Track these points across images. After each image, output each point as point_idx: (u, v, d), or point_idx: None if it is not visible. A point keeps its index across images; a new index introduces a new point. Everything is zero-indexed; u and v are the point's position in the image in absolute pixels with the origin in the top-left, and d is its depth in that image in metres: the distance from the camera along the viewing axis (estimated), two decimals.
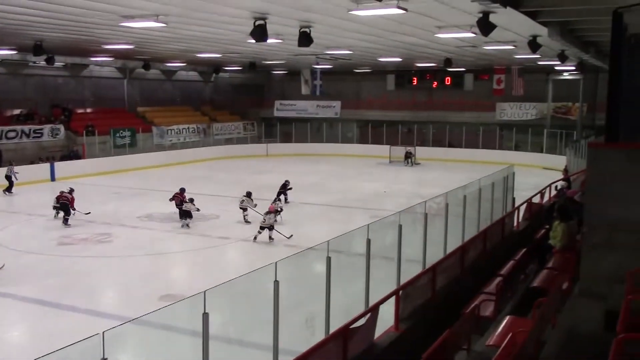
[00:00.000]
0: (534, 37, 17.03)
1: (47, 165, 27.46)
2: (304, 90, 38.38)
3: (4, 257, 14.48)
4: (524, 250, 10.98)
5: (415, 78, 40.37)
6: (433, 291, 8.76)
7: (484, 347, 6.89)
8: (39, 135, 29.62)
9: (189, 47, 23.52)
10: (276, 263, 7.07)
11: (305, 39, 15.88)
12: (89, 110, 34.75)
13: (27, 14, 14.68)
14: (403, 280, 9.01)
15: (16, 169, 24.74)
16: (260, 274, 7.23)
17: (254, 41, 15.13)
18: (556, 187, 17.37)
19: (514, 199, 17.19)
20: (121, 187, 20.42)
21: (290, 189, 21.97)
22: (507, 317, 7.36)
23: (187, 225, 18.27)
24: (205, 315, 6.02)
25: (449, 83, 39.60)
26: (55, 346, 4.73)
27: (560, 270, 9.03)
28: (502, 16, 12.29)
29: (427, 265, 9.93)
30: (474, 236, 11.46)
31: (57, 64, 28.84)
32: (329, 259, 8.20)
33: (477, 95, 38.38)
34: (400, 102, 40.81)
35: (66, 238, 16.93)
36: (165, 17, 14.56)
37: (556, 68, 32.63)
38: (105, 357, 4.79)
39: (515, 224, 13.71)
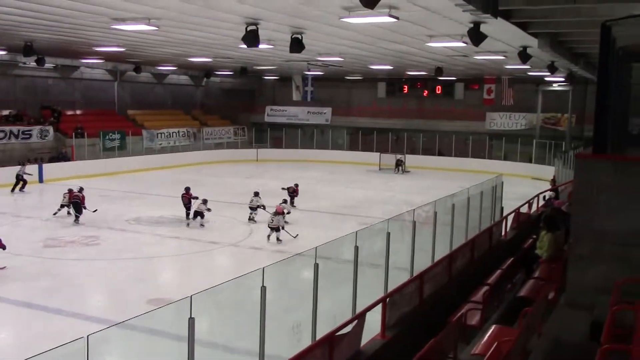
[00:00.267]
0: (525, 47, 17.17)
1: (35, 167, 27.22)
2: (295, 96, 38.44)
3: None
4: (511, 259, 11.02)
5: (406, 86, 40.51)
6: (420, 299, 8.77)
7: (469, 355, 6.90)
8: (27, 136, 29.40)
9: (181, 51, 23.50)
10: (263, 269, 7.06)
11: (296, 45, 15.92)
12: (78, 112, 34.58)
13: (18, 14, 14.61)
14: (390, 288, 9.02)
15: (27, 168, 25.29)
16: (247, 280, 7.22)
17: (245, 46, 15.14)
18: (544, 197, 17.48)
19: (502, 209, 17.30)
20: (110, 190, 20.31)
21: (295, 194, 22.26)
22: (493, 326, 7.37)
23: (202, 225, 18.62)
24: (191, 320, 5.99)
25: (439, 92, 39.76)
26: (41, 349, 4.69)
27: (547, 280, 9.07)
28: (493, 27, 12.38)
29: (415, 273, 9.94)
30: (461, 245, 11.49)
31: (47, 65, 28.72)
32: (316, 266, 8.21)
33: (468, 104, 38.61)
34: (391, 109, 40.93)
35: (53, 240, 16.80)
36: (156, 21, 14.54)
37: (546, 79, 32.90)
38: None
39: (503, 233, 13.77)
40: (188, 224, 18.92)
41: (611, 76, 8.32)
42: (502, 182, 17.93)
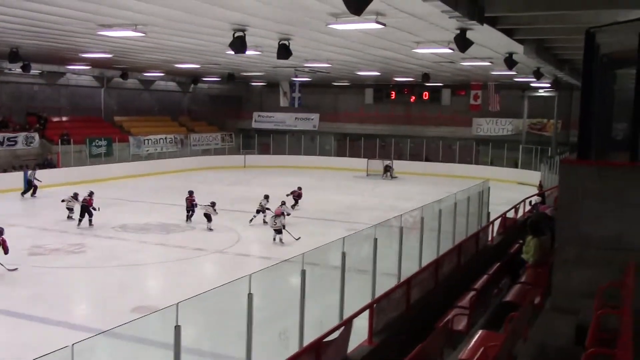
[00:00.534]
0: (510, 54, 17.30)
1: (20, 174, 26.91)
2: (283, 102, 38.46)
3: None
4: (497, 264, 11.07)
5: (393, 92, 40.61)
6: (407, 305, 8.77)
7: None
8: (13, 143, 29.09)
9: (168, 57, 23.43)
10: (250, 275, 7.04)
11: (284, 51, 15.93)
12: (64, 118, 34.28)
13: (3, 20, 14.49)
14: (378, 294, 9.02)
15: (37, 173, 25.78)
16: (234, 287, 7.19)
17: (232, 53, 15.12)
18: (530, 202, 17.59)
19: (489, 214, 17.39)
20: (96, 197, 20.24)
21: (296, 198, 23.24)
22: (480, 332, 7.38)
23: (210, 229, 19.08)
24: (177, 328, 5.96)
25: (426, 98, 39.87)
26: (26, 359, 4.64)
27: (533, 284, 9.12)
28: (479, 33, 12.45)
29: (403, 279, 9.95)
30: (448, 250, 11.53)
31: (33, 71, 28.42)
32: (303, 272, 8.20)
33: (454, 110, 38.79)
34: (378, 115, 41.05)
35: (37, 248, 16.63)
36: (144, 27, 14.49)
37: (532, 85, 33.14)
38: None
39: (489, 238, 13.83)
40: (188, 221, 19.95)
41: (595, 82, 8.41)
42: (489, 188, 18.03)
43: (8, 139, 28.91)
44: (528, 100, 35.94)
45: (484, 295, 9.76)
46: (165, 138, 36.67)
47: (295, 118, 41.93)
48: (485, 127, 37.71)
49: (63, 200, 20.83)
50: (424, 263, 11.05)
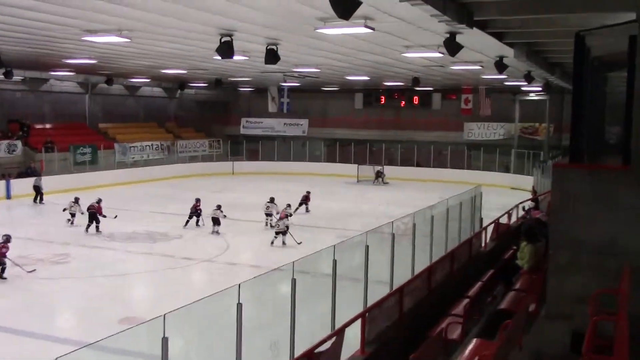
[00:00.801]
0: (501, 57, 17.25)
1: (2, 183, 26.49)
2: (271, 107, 38.24)
3: None
4: (491, 271, 10.94)
5: (383, 97, 40.55)
6: (400, 313, 8.61)
7: None
8: None
9: (154, 62, 23.20)
10: (239, 285, 6.89)
11: (272, 56, 15.77)
12: (48, 125, 33.80)
13: None
14: (370, 302, 8.86)
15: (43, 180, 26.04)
16: (223, 296, 7.03)
17: (220, 58, 14.95)
18: (523, 207, 17.49)
19: (481, 219, 17.30)
20: (81, 206, 19.99)
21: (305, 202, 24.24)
22: (474, 340, 7.25)
23: (217, 232, 19.47)
24: (165, 340, 5.82)
25: (417, 102, 39.82)
26: None
27: (528, 291, 9.00)
28: (469, 37, 12.37)
29: (395, 287, 9.80)
30: (441, 257, 11.39)
31: (15, 77, 27.86)
32: (294, 281, 8.04)
33: (445, 114, 38.71)
34: (368, 120, 40.95)
35: (22, 258, 16.27)
36: (129, 32, 14.28)
37: (523, 89, 33.20)
38: None
39: (482, 244, 13.71)
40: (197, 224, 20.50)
41: (586, 86, 8.34)
42: (481, 193, 17.95)
43: None
44: (519, 104, 35.96)
45: (478, 303, 9.63)
46: (152, 145, 36.25)
47: (284, 124, 41.66)
48: (477, 131, 37.60)
49: (65, 210, 20.60)
50: (417, 270, 10.90)
